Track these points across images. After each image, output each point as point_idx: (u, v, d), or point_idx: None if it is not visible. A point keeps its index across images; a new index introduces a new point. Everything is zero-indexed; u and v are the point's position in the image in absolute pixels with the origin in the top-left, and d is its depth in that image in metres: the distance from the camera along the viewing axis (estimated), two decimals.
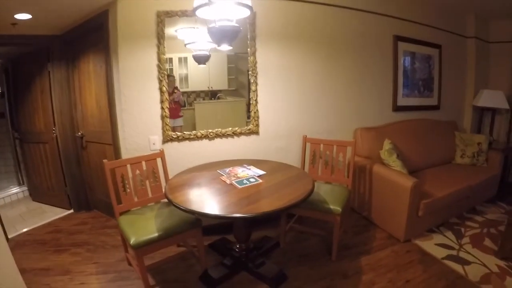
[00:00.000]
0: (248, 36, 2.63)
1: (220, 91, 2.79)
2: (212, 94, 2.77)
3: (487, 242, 2.84)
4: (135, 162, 2.23)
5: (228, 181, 2.03)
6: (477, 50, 4.24)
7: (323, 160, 2.69)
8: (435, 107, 3.99)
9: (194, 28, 2.48)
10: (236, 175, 2.15)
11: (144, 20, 2.36)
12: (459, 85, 4.31)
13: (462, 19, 4.10)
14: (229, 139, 2.75)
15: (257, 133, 2.81)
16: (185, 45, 2.52)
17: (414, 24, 3.60)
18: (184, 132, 2.62)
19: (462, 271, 2.38)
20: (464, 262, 2.50)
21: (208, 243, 2.57)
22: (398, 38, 3.41)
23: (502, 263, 2.52)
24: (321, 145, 2.68)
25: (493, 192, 3.70)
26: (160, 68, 2.43)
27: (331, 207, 2.28)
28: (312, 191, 1.89)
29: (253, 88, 2.75)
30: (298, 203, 1.73)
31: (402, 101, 3.60)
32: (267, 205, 1.70)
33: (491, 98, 4.09)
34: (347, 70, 3.14)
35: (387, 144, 2.94)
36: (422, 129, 3.58)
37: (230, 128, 2.73)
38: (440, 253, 2.60)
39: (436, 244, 2.71)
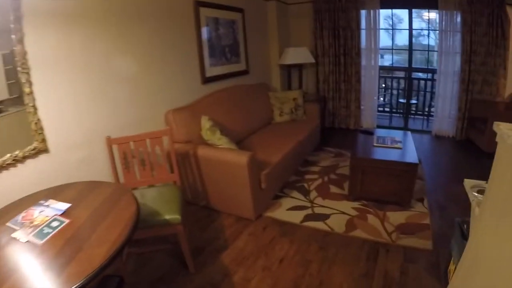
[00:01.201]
0: (11, 18, 1.95)
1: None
2: None
3: (334, 189, 3.21)
4: None
5: (24, 239, 1.43)
6: (278, 11, 4.70)
7: (137, 160, 2.29)
8: (245, 72, 4.17)
9: None
10: (33, 222, 1.55)
11: None
12: (265, 47, 4.69)
13: None
14: (11, 170, 2.04)
15: (46, 150, 2.13)
16: None
17: None
18: None
19: (326, 227, 2.58)
20: (323, 218, 2.71)
21: None
22: (199, 4, 3.27)
23: (356, 204, 2.89)
24: (131, 143, 2.24)
25: (317, 140, 4.32)
26: None
27: (168, 217, 1.94)
28: (137, 212, 1.51)
29: (27, 90, 2.05)
30: (126, 241, 1.31)
31: (210, 71, 3.53)
32: (86, 262, 1.18)
33: (296, 55, 4.60)
34: (145, 48, 2.76)
35: (205, 122, 2.78)
36: (236, 97, 3.66)
37: (9, 155, 2.04)
38: (296, 217, 2.73)
39: (288, 210, 2.85)
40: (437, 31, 4.88)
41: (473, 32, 4.56)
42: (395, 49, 6.25)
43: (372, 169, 2.84)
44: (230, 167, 2.50)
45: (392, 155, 2.94)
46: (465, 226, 1.83)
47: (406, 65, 5.58)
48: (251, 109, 3.72)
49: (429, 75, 6.03)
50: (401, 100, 6.43)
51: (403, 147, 3.11)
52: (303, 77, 5.16)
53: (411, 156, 2.90)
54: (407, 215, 2.73)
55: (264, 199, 2.76)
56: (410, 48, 5.27)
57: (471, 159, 4.34)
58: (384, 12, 5.24)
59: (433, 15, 5.40)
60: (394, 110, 6.50)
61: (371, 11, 4.83)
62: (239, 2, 3.98)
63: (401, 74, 6.26)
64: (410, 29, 5.11)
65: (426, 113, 6.19)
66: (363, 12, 4.89)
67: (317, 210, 2.83)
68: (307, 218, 2.71)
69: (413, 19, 5.17)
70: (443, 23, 4.73)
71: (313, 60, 4.83)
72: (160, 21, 2.85)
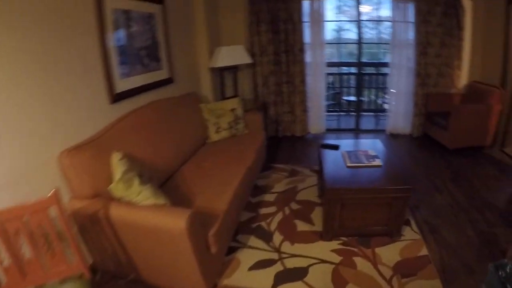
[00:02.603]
0: None
1: None
2: None
3: (301, 225, 2.78)
4: None
5: None
6: (206, 3, 4.12)
7: (14, 249, 1.47)
8: (168, 81, 3.48)
9: None
10: None
11: None
12: (192, 47, 4.09)
13: None
14: None
15: None
16: None
17: None
18: None
19: (307, 287, 2.12)
20: (300, 274, 2.22)
21: None
22: None
23: (336, 245, 2.50)
24: None
25: (264, 156, 3.82)
26: None
27: None
28: None
29: None
30: None
31: (122, 85, 2.72)
32: None
33: (230, 55, 4.08)
34: (15, 61, 1.83)
35: (118, 165, 1.97)
36: (159, 116, 2.91)
37: None
38: (264, 280, 2.18)
39: (251, 269, 2.29)
40: (390, 22, 4.76)
41: (427, 22, 4.50)
42: (343, 43, 6.18)
43: (354, 201, 2.44)
44: (163, 234, 1.82)
45: (375, 178, 2.60)
46: (502, 273, 1.55)
47: (355, 60, 5.44)
48: (180, 130, 3.07)
49: (379, 70, 6.07)
50: (347, 98, 6.37)
51: (382, 163, 2.77)
52: (238, 81, 4.69)
53: (398, 176, 2.61)
54: (399, 247, 2.43)
55: (215, 262, 2.15)
56: (360, 42, 5.07)
57: (437, 158, 4.31)
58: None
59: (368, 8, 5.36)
60: (343, 109, 6.43)
61: (315, 1, 4.52)
62: None
63: (334, 70, 6.21)
64: (359, 20, 4.92)
65: (375, 110, 6.22)
66: (306, 3, 4.55)
67: (289, 262, 2.33)
68: (279, 278, 2.19)
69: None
70: (396, 12, 4.61)
71: (250, 60, 4.35)
72: (40, 19, 2.01)
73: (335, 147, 3.20)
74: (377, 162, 2.79)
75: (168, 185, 2.58)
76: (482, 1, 4.61)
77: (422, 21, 4.52)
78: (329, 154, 3.06)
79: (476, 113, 4.35)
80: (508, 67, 4.36)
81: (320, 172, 3.11)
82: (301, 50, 4.66)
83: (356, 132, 5.50)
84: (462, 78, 4.97)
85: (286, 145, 4.79)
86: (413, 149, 4.68)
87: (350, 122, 5.89)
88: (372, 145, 3.28)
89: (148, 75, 3.13)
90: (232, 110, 3.60)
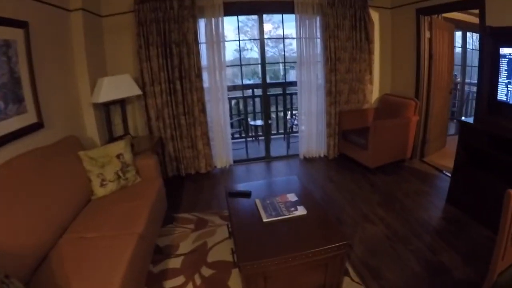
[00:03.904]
0: None
1: None
2: None
3: None
4: None
5: None
6: (87, 26, 3.64)
7: None
8: (37, 126, 2.90)
9: None
10: None
11: None
12: (69, 80, 3.53)
13: None
14: None
15: None
16: None
17: None
18: None
19: None
20: None
21: None
22: None
23: None
24: None
25: (164, 206, 3.47)
26: None
27: None
28: None
29: None
30: None
31: None
32: None
33: (115, 87, 3.67)
34: None
35: None
36: (21, 179, 2.34)
37: None
38: None
39: None
40: (296, 39, 4.81)
41: (336, 37, 4.65)
42: (246, 64, 6.13)
43: (280, 271, 2.16)
44: None
45: (303, 235, 2.32)
46: None
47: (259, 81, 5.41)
48: (51, 192, 2.51)
49: (284, 90, 6.12)
50: (254, 123, 6.31)
51: (306, 211, 2.56)
52: (129, 116, 4.28)
53: (330, 227, 2.42)
54: None
55: None
56: (263, 62, 5.02)
57: (360, 181, 4.40)
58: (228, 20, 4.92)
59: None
60: (250, 135, 6.37)
61: (213, 20, 4.36)
62: (19, 10, 2.73)
63: (238, 94, 6.15)
64: (262, 39, 4.89)
65: (285, 133, 6.27)
66: (201, 23, 4.38)
67: None
68: None
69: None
70: (301, 29, 4.69)
71: (139, 91, 3.98)
72: None
73: (247, 195, 2.94)
74: (300, 210, 2.58)
75: (39, 275, 2.05)
76: (390, 13, 4.98)
77: (330, 36, 4.66)
78: (240, 205, 2.80)
79: (395, 127, 4.59)
80: (420, 78, 4.75)
81: (231, 234, 2.87)
82: (199, 76, 4.41)
83: (267, 160, 5.42)
84: (374, 92, 5.28)
85: (190, 185, 4.47)
86: (332, 174, 4.73)
87: (259, 149, 5.82)
88: (288, 185, 3.14)
89: (7, 123, 2.53)
90: (119, 156, 3.17)
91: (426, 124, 4.97)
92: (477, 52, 6.40)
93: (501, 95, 3.26)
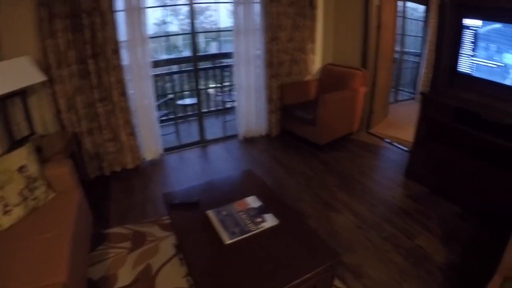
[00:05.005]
0: None
1: None
2: None
3: None
4: None
5: None
6: None
7: None
8: None
9: None
10: None
11: None
12: None
13: None
14: None
15: None
16: None
17: None
18: None
19: None
20: None
21: None
22: None
23: None
24: None
25: (89, 222, 2.93)
26: None
27: None
28: None
29: None
30: None
31: None
32: None
33: (11, 75, 2.92)
34: None
35: None
36: None
37: None
38: None
39: None
40: (232, 3, 4.39)
41: (277, 1, 4.35)
42: (172, 35, 5.64)
43: None
44: None
45: (280, 257, 1.97)
46: None
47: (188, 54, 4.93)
48: None
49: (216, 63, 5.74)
50: (184, 102, 5.84)
51: (278, 219, 2.23)
52: (33, 110, 3.54)
53: (314, 239, 2.11)
54: None
55: None
56: (193, 32, 4.53)
57: (311, 161, 4.28)
58: None
59: None
60: (180, 116, 5.91)
61: None
62: None
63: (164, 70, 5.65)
64: (192, 2, 4.35)
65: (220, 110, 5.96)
66: None
67: None
68: None
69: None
70: None
71: (43, 77, 3.24)
72: None
73: (194, 205, 2.50)
74: (270, 220, 2.22)
75: None
76: None
77: (271, 0, 4.33)
78: (189, 222, 2.33)
79: (344, 100, 4.49)
80: (368, 47, 4.64)
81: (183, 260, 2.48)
82: (116, 51, 3.76)
83: (203, 144, 5.00)
84: (316, 63, 5.10)
85: (117, 187, 3.89)
86: (278, 155, 4.51)
87: (193, 132, 5.37)
88: (242, 182, 2.84)
89: None
90: (21, 169, 2.51)
91: (373, 95, 4.97)
92: (415, 22, 6.85)
93: (464, 67, 3.24)
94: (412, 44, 7.10)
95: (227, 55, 4.96)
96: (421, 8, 6.59)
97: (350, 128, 4.83)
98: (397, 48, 6.60)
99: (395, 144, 4.65)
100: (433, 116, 3.46)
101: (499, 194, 2.96)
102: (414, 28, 7.03)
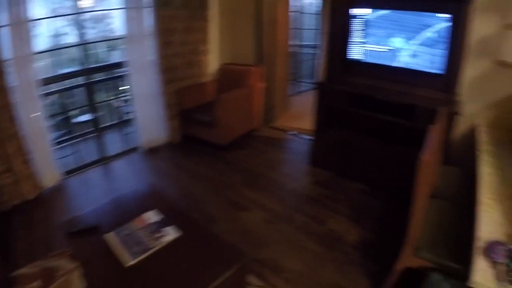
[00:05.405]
0: None
1: None
2: None
3: None
4: None
5: None
6: None
7: None
8: None
9: None
10: None
11: None
12: None
13: None
14: None
15: None
16: None
17: None
18: None
19: None
20: None
21: None
22: None
23: None
24: None
25: None
26: None
27: None
28: None
29: None
30: None
31: None
32: None
33: None
34: None
35: None
36: None
37: None
38: None
39: None
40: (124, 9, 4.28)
41: (168, 5, 4.37)
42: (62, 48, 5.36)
43: None
44: None
45: (187, 268, 2.01)
46: None
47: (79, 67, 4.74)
48: None
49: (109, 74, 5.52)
50: (79, 120, 5.60)
51: (182, 229, 2.25)
52: None
53: (218, 243, 2.21)
54: None
55: None
56: (84, 43, 4.52)
57: (215, 163, 4.39)
58: None
59: None
60: (78, 135, 5.58)
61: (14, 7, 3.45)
62: None
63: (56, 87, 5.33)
64: (78, 13, 4.38)
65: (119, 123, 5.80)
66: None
67: None
68: None
69: None
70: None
71: None
72: None
73: (94, 230, 2.41)
74: (172, 233, 2.24)
75: None
76: None
77: (161, 4, 4.33)
78: (89, 249, 2.27)
79: (242, 98, 4.67)
80: (263, 43, 4.81)
81: None
82: (1, 72, 3.47)
83: (105, 162, 4.84)
84: (212, 64, 5.18)
85: (19, 222, 3.62)
86: (181, 162, 4.53)
87: (93, 150, 5.19)
88: (141, 198, 2.82)
89: None
90: None
91: (272, 89, 5.17)
92: (313, 16, 7.25)
93: (356, 55, 3.57)
94: (310, 37, 7.50)
95: (119, 65, 4.83)
96: (318, 3, 6.99)
97: (251, 125, 4.99)
98: (295, 42, 6.95)
99: (298, 134, 4.89)
100: (330, 104, 3.72)
101: (398, 167, 3.28)
102: (312, 22, 7.39)
